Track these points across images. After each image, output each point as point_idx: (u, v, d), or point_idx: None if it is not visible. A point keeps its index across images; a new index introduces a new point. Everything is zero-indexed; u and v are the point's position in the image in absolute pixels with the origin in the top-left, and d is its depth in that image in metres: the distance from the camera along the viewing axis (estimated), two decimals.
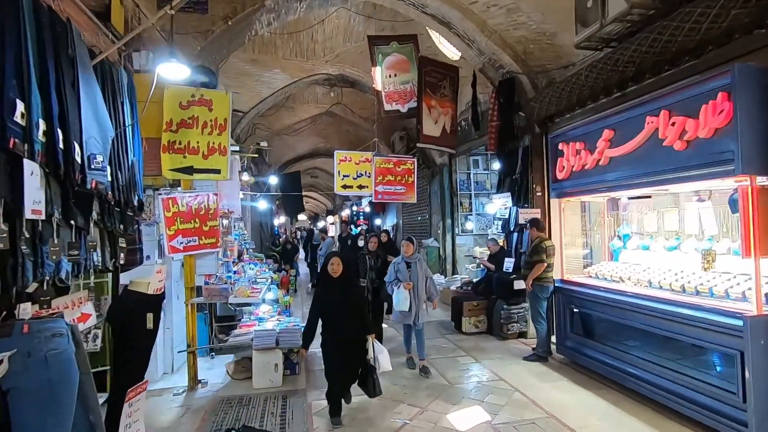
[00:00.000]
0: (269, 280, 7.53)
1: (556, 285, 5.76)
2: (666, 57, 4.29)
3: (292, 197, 14.07)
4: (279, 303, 6.91)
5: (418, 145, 7.10)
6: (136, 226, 3.42)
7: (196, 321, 5.26)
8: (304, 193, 32.20)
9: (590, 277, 5.62)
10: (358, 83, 10.50)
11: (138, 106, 4.11)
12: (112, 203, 2.80)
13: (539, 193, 6.70)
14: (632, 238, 5.64)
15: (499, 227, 7.63)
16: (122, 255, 2.96)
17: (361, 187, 6.91)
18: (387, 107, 7.04)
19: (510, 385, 4.90)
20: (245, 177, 8.46)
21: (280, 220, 23.64)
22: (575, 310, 5.53)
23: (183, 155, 4.88)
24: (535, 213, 6.59)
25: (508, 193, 7.07)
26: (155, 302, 2.99)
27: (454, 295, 7.89)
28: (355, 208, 21.08)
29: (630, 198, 5.45)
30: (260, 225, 15.43)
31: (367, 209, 18.92)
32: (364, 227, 19.47)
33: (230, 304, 5.59)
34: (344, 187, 6.91)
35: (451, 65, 7.33)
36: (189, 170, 4.90)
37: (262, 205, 11.06)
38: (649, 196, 5.09)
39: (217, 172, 4.96)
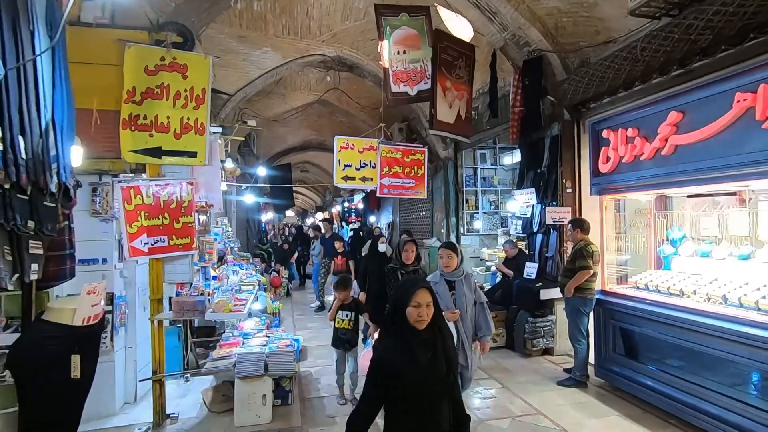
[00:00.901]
0: (256, 285, 6.51)
1: (597, 297, 4.87)
2: (760, 20, 3.40)
3: (281, 192, 12.98)
4: (267, 314, 5.89)
5: (431, 132, 6.13)
6: (66, 223, 2.39)
7: (167, 338, 4.23)
8: (294, 189, 31.15)
9: (638, 288, 4.74)
10: (357, 67, 9.48)
11: (91, 68, 3.07)
12: (7, 187, 1.79)
13: (569, 189, 5.80)
14: (685, 243, 4.78)
15: (518, 228, 6.72)
16: (34, 266, 1.94)
17: (364, 179, 5.91)
18: (394, 89, 6.06)
19: (552, 421, 3.98)
20: (229, 165, 7.37)
21: (268, 216, 22.49)
22: (621, 327, 4.65)
23: (149, 133, 3.84)
24: (565, 212, 5.69)
25: (532, 189, 6.15)
26: (85, 338, 1.98)
27: None
28: (346, 204, 20.05)
29: (690, 196, 4.56)
30: (247, 221, 14.31)
31: (360, 205, 17.92)
32: (357, 225, 18.48)
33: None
34: (345, 179, 5.90)
35: (468, 43, 6.37)
36: (156, 152, 3.86)
37: (249, 199, 9.88)
38: (734, 193, 4.20)
39: (193, 155, 3.93)
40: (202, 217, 4.30)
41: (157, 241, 3.85)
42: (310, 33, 8.55)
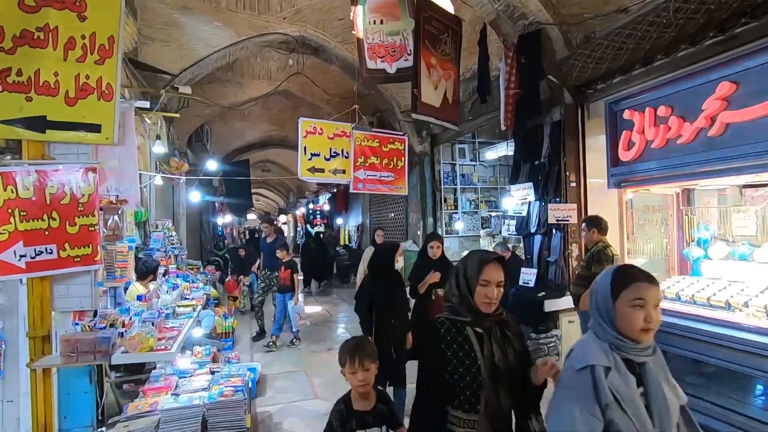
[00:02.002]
0: (202, 301, 5.32)
1: None
2: None
3: (238, 191, 11.64)
4: (215, 337, 4.71)
5: (414, 116, 5.12)
6: None
7: (73, 380, 3.02)
8: (253, 190, 29.40)
9: (666, 298, 3.94)
10: (324, 50, 8.39)
11: None
12: None
13: (573, 183, 4.99)
14: (715, 244, 4.04)
15: (511, 228, 5.86)
16: None
17: (336, 171, 4.87)
18: (370, 64, 5.07)
19: None
20: (159, 149, 6.03)
21: (226, 219, 20.87)
22: None
23: (25, 96, 2.63)
24: (571, 209, 4.88)
25: (529, 184, 5.31)
26: None
27: None
28: (311, 205, 18.81)
29: (746, 186, 3.80)
30: (200, 224, 12.84)
31: (327, 207, 16.75)
32: (321, 227, 17.30)
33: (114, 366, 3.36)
34: (313, 170, 4.83)
35: (454, 16, 5.45)
36: (38, 123, 2.66)
37: (195, 197, 8.45)
38: None
39: (94, 129, 2.74)
40: (111, 218, 3.10)
41: (41, 252, 2.64)
42: (270, 8, 7.41)
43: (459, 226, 8.73)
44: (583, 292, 3.92)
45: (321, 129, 4.85)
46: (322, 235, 14.86)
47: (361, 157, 4.93)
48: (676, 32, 3.63)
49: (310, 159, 4.79)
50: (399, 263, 4.99)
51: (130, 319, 3.04)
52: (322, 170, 4.84)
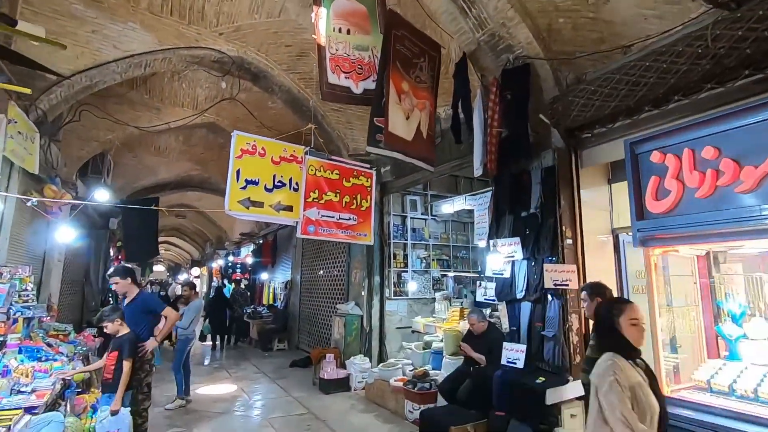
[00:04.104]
0: (54, 391, 3.42)
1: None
2: None
3: (139, 236, 9.47)
4: None
5: (373, 150, 3.98)
6: None
7: None
8: (165, 239, 25.93)
9: (706, 390, 3.03)
10: (264, 77, 7.23)
11: None
12: None
13: (570, 240, 4.13)
14: (752, 320, 3.29)
15: (487, 292, 4.79)
16: None
17: (279, 207, 3.52)
18: (332, 78, 3.98)
19: None
20: (17, 146, 4.19)
21: None
22: None
23: None
24: (570, 271, 3.96)
25: (516, 239, 4.35)
26: None
27: (423, 411, 4.62)
28: (231, 258, 16.57)
29: None
30: (86, 275, 10.26)
31: (249, 260, 14.72)
32: (243, 282, 15.14)
33: None
34: (247, 204, 3.43)
35: (432, 40, 4.67)
36: None
37: (65, 236, 6.13)
38: None
39: None
40: None
41: None
42: (204, 19, 6.18)
43: (412, 286, 7.55)
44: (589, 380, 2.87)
45: (263, 149, 3.54)
46: (229, 290, 13.21)
47: (315, 192, 3.67)
48: (712, 64, 3.04)
49: (244, 188, 3.41)
50: None
51: None
52: (259, 204, 3.46)
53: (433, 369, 5.82)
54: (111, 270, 4.24)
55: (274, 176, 3.57)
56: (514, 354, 4.21)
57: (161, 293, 11.00)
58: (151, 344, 3.98)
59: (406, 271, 7.71)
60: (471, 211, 8.51)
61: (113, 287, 4.19)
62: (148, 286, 23.01)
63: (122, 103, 8.20)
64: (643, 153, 3.31)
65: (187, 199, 16.28)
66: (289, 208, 3.60)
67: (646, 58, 3.43)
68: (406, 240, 7.83)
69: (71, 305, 9.48)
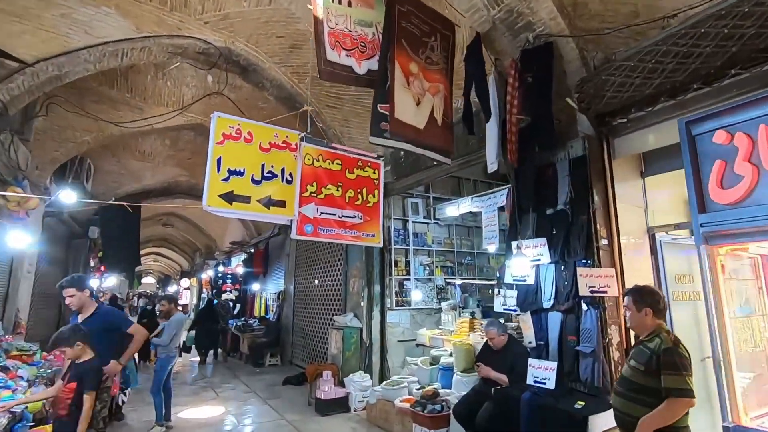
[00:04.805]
0: (3, 421, 2.77)
1: None
2: None
3: (123, 245, 8.76)
4: None
5: (376, 141, 3.42)
6: None
7: None
8: (153, 249, 25.05)
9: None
10: (254, 71, 6.66)
11: None
12: None
13: (605, 241, 3.58)
14: None
15: (507, 301, 4.20)
16: None
17: (270, 203, 2.93)
18: (331, 56, 3.42)
19: None
20: None
21: (108, 281, 16.81)
22: None
23: None
24: (609, 276, 3.40)
25: (542, 240, 3.79)
26: None
27: None
28: (221, 268, 15.83)
29: None
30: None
31: (240, 270, 14.00)
32: (233, 294, 14.40)
33: None
34: (229, 198, 2.83)
35: (444, 18, 4.13)
36: None
37: (19, 241, 5.35)
38: None
39: None
40: None
41: None
42: (188, 6, 5.62)
43: (417, 296, 6.94)
44: (641, 412, 2.30)
45: (249, 133, 2.96)
46: (219, 302, 12.64)
47: (313, 184, 3.09)
48: None
49: (226, 179, 2.82)
50: None
51: None
52: (245, 199, 2.87)
53: (442, 388, 5.20)
54: (65, 280, 3.57)
55: (263, 166, 2.98)
56: (542, 372, 3.62)
57: (147, 307, 10.21)
58: (112, 368, 3.31)
59: (409, 279, 7.10)
60: (476, 215, 7.99)
61: (67, 301, 3.52)
62: (135, 298, 22.07)
63: (101, 101, 7.57)
64: (703, 134, 2.78)
65: (174, 208, 15.58)
66: (282, 204, 3.01)
67: (699, 24, 2.92)
68: (408, 246, 7.24)
69: (44, 320, 8.73)
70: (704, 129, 2.77)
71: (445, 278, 7.30)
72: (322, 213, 3.19)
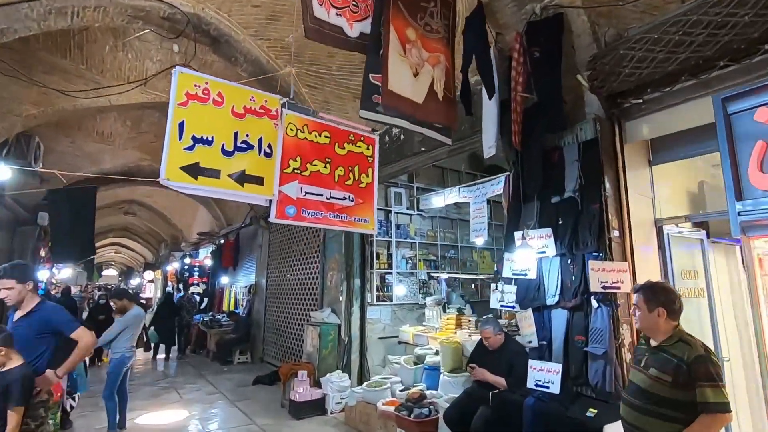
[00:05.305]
0: None
1: None
2: None
3: (72, 232, 7.91)
4: None
5: (365, 116, 2.96)
6: None
7: None
8: (113, 240, 23.55)
9: None
10: (227, 43, 6.00)
11: None
12: None
13: (617, 232, 3.26)
14: None
15: (505, 297, 3.84)
16: None
17: (244, 179, 2.42)
18: (319, 13, 2.91)
19: None
20: None
21: (62, 273, 15.64)
22: None
23: None
24: (622, 270, 3.08)
25: (548, 231, 3.44)
26: None
27: None
28: (188, 260, 14.93)
29: None
30: None
31: (208, 262, 13.22)
32: (200, 287, 13.60)
33: None
34: (193, 171, 2.29)
35: None
36: None
37: None
38: None
39: None
40: None
41: None
42: None
43: (400, 290, 6.53)
44: (664, 428, 2.05)
45: (220, 94, 2.44)
46: (185, 296, 12.00)
47: (296, 159, 2.60)
48: None
49: (190, 148, 2.29)
50: None
51: None
52: (213, 173, 2.35)
53: (428, 389, 4.82)
54: (1, 268, 2.88)
55: (236, 134, 2.46)
56: (545, 375, 3.28)
57: (101, 301, 9.34)
58: (44, 381, 2.71)
59: (391, 273, 6.69)
60: (460, 207, 7.65)
61: (2, 294, 2.85)
62: (96, 291, 20.70)
63: (52, 72, 6.73)
64: (741, 112, 2.47)
65: (138, 194, 14.56)
66: (258, 181, 2.50)
67: None
68: (391, 238, 6.81)
69: None
70: (743, 107, 2.47)
71: (429, 272, 6.93)
72: (306, 193, 2.70)
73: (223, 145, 2.42)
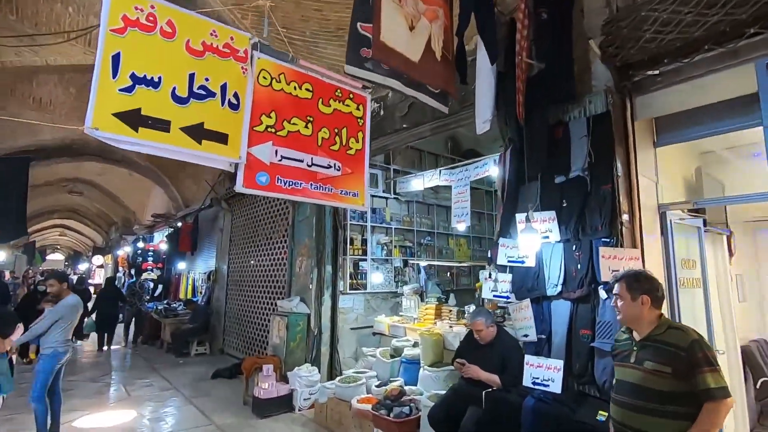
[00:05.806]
0: None
1: None
2: None
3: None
4: None
5: (351, 71, 2.45)
6: None
7: None
8: (58, 221, 21.61)
9: None
10: None
11: None
12: None
13: (626, 216, 2.95)
14: None
15: (499, 287, 3.48)
16: None
17: (201, 135, 1.86)
18: None
19: None
20: None
21: None
22: None
23: None
24: (634, 257, 2.78)
25: (551, 214, 3.08)
26: None
27: None
28: (141, 244, 13.82)
29: None
30: None
31: (164, 246, 12.23)
32: (154, 273, 12.62)
33: None
34: (132, 119, 1.71)
35: None
36: None
37: None
38: None
39: None
40: None
41: None
42: None
43: (377, 278, 6.09)
44: (674, 428, 1.86)
45: (171, 23, 1.85)
46: (137, 282, 11.10)
47: (271, 115, 2.05)
48: None
49: (128, 90, 1.70)
50: None
51: None
52: (161, 124, 1.76)
53: (406, 384, 4.44)
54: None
55: (193, 76, 1.87)
56: (544, 372, 2.96)
57: (39, 288, 8.27)
58: None
59: (365, 260, 6.22)
60: (437, 192, 7.28)
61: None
62: (38, 276, 19.00)
63: None
64: None
65: (85, 172, 13.23)
66: (221, 138, 1.92)
67: None
68: (366, 222, 6.33)
69: None
70: None
71: (408, 260, 6.54)
72: (283, 158, 2.15)
73: (175, 88, 1.82)
